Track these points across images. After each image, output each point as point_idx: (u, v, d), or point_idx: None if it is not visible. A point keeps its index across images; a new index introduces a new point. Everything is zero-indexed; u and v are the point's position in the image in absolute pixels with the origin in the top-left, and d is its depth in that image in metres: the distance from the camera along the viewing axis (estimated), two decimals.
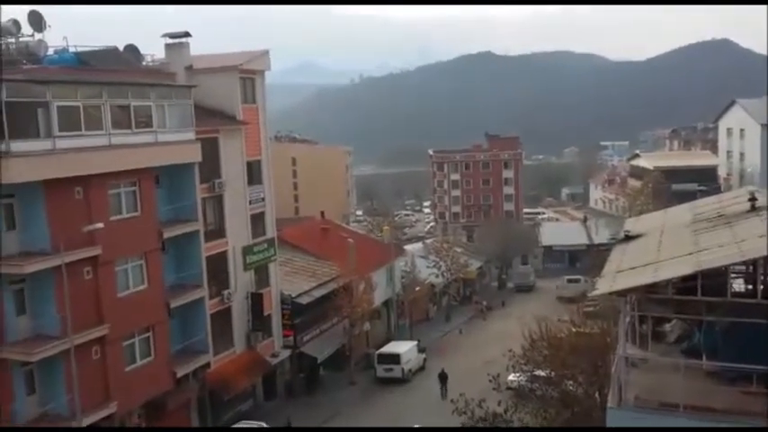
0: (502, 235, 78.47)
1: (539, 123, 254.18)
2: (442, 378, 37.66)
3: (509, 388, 26.71)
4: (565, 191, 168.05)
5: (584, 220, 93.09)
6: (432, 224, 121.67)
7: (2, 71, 22.75)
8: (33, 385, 24.24)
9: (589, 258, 60.45)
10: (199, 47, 34.34)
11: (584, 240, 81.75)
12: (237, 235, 33.97)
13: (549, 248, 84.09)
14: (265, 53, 36.24)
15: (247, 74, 34.93)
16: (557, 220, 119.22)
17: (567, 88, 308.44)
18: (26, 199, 23.51)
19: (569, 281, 63.02)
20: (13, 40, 27.06)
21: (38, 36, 27.40)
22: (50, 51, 27.78)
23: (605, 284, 14.82)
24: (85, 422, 23.77)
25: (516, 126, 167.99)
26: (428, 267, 59.03)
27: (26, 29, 27.19)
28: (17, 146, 22.16)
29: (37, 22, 27.27)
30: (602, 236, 73.08)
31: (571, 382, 22.84)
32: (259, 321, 35.14)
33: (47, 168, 23.12)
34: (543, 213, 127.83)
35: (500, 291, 73.05)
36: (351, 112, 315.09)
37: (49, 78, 23.81)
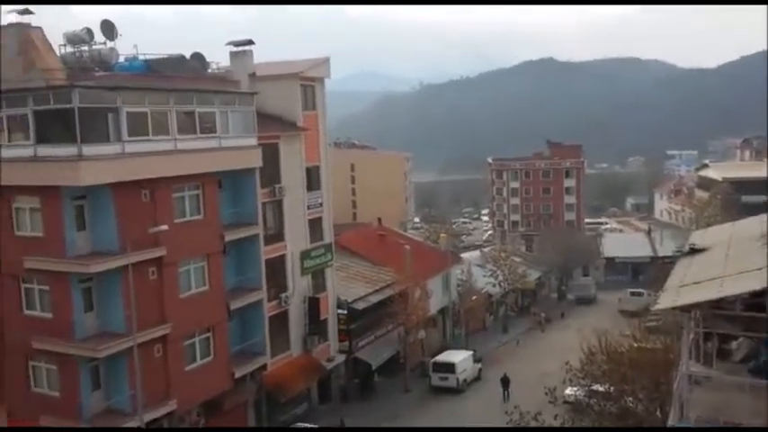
0: (562, 245, 76.98)
1: (603, 132, 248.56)
2: (505, 382, 37.45)
3: (566, 402, 26.13)
4: (629, 201, 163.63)
5: (649, 232, 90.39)
6: (490, 232, 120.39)
7: (76, 78, 23.85)
8: (99, 381, 25.21)
9: (653, 271, 58.63)
10: (261, 53, 35.05)
11: (648, 252, 79.44)
12: (296, 239, 34.46)
13: (611, 260, 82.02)
14: (326, 61, 36.73)
15: (308, 81, 35.46)
16: (620, 230, 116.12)
17: (632, 96, 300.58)
18: (96, 201, 24.50)
19: (632, 294, 61.31)
20: (86, 48, 28.22)
21: (110, 44, 28.49)
22: (121, 59, 28.85)
23: (668, 299, 14.33)
24: (146, 418, 24.47)
25: (579, 134, 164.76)
26: (485, 276, 58.41)
27: (99, 37, 28.30)
28: (89, 150, 23.13)
29: (109, 31, 28.37)
30: (667, 248, 70.85)
31: (631, 399, 22.16)
32: (315, 325, 35.51)
33: (116, 171, 24.01)
34: (606, 224, 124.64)
35: (559, 302, 71.60)
36: (411, 119, 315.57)
37: (119, 85, 24.74)
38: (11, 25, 25.45)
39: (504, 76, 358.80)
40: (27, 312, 25.14)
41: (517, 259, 67.85)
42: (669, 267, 19.05)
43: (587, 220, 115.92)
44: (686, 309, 13.68)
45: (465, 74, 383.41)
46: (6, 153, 24.37)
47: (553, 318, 61.83)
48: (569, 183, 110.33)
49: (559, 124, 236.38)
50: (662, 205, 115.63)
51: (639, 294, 59.04)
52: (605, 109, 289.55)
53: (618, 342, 24.83)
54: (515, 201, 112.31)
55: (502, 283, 59.98)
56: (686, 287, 14.65)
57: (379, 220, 55.90)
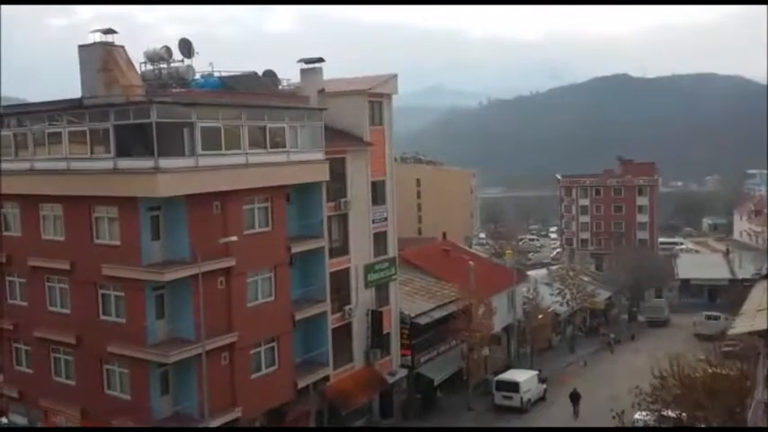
0: (634, 265, 74.66)
1: (678, 149, 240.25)
2: (574, 398, 36.59)
3: (634, 427, 25.25)
4: (706, 221, 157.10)
5: (727, 253, 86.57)
6: (558, 250, 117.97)
7: (154, 94, 24.94)
8: (168, 386, 25.95)
9: (731, 294, 56.09)
10: (330, 69, 35.67)
11: (725, 274, 76.12)
12: (360, 253, 34.73)
13: (686, 281, 78.97)
14: (393, 77, 37.06)
15: (376, 97, 35.86)
16: (696, 251, 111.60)
17: (710, 112, 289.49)
18: (170, 212, 25.43)
19: (708, 317, 58.82)
20: (165, 65, 29.49)
21: (187, 62, 29.68)
22: (197, 76, 30.00)
23: (746, 323, 13.76)
24: (212, 424, 25.08)
25: (653, 151, 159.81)
26: (552, 295, 57.22)
27: (177, 54, 29.52)
28: (165, 162, 24.04)
29: (186, 49, 29.58)
30: (746, 270, 67.76)
31: (704, 425, 21.22)
32: (378, 339, 35.58)
33: (190, 184, 24.87)
34: (681, 244, 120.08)
35: (630, 324, 69.35)
36: (478, 134, 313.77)
37: (194, 101, 25.69)
38: (95, 44, 26.85)
39: (576, 92, 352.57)
40: (103, 317, 26.25)
41: (586, 278, 66.19)
42: (748, 291, 18.25)
43: (661, 240, 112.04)
44: (764, 334, 13.07)
45: (534, 89, 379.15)
46: (88, 165, 25.67)
47: (623, 339, 59.99)
48: (642, 201, 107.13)
49: (632, 141, 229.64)
50: (741, 226, 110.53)
51: (716, 318, 56.64)
52: (681, 126, 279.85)
53: (691, 367, 23.87)
54: (585, 218, 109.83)
55: (569, 303, 58.60)
56: (764, 311, 13.99)
57: (444, 234, 55.74)
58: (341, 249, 33.57)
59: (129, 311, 25.33)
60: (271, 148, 28.20)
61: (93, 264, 25.71)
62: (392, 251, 37.57)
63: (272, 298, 28.65)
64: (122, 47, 27.09)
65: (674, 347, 31.79)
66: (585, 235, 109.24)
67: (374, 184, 35.92)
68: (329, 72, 35.02)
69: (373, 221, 35.84)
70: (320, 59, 34.31)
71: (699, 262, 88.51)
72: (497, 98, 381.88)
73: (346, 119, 34.55)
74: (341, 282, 33.54)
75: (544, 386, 42.18)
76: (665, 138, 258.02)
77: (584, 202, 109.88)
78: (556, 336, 57.81)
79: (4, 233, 29.60)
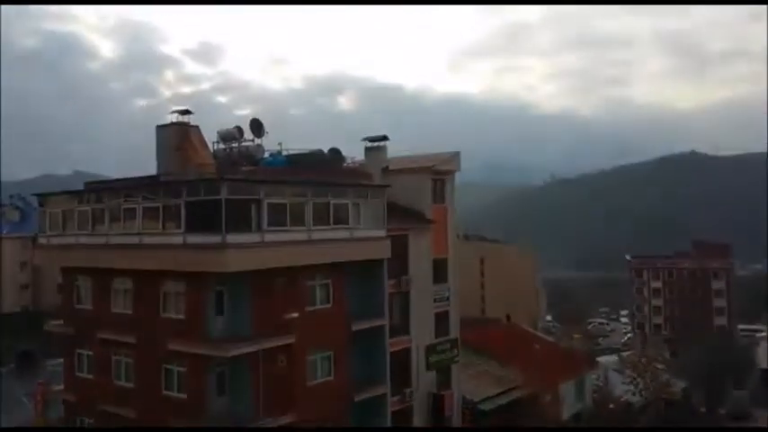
0: (712, 353, 70.40)
1: (753, 230, 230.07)
2: None
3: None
4: None
5: None
6: (629, 335, 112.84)
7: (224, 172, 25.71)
8: None
9: None
10: (395, 147, 36.06)
11: None
12: (421, 333, 33.97)
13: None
14: (456, 155, 37.21)
15: (438, 175, 35.97)
16: None
17: None
18: (235, 287, 25.56)
19: None
20: (236, 144, 30.57)
21: (257, 141, 30.69)
22: (266, 154, 30.90)
23: None
24: None
25: (727, 233, 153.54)
26: (624, 384, 54.19)
27: (248, 134, 30.60)
28: (233, 238, 24.42)
29: (257, 129, 30.68)
30: None
31: None
32: (439, 423, 34.25)
33: (255, 259, 25.06)
34: (762, 331, 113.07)
35: (709, 417, 64.65)
36: (543, 212, 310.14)
37: (262, 178, 26.31)
38: (173, 124, 28.18)
39: (643, 171, 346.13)
40: (165, 392, 26.26)
41: (660, 366, 62.59)
42: None
43: (741, 327, 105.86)
44: None
45: (600, 166, 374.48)
46: (160, 240, 26.34)
47: None
48: (718, 285, 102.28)
49: (703, 222, 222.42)
50: None
51: None
52: (758, 205, 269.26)
53: None
54: (657, 302, 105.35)
55: (642, 392, 55.29)
56: None
57: (508, 317, 54.23)
58: (401, 329, 32.92)
59: (189, 387, 25.22)
60: (334, 224, 28.38)
61: (159, 338, 25.90)
62: (454, 332, 36.62)
63: (331, 377, 28.11)
64: (197, 127, 28.35)
65: None
66: (659, 320, 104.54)
67: (436, 262, 35.48)
68: (393, 147, 35.49)
69: (435, 300, 35.20)
70: (384, 137, 34.90)
71: None
72: (561, 177, 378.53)
73: (409, 196, 34.65)
74: (401, 362, 32.71)
75: None
76: (741, 217, 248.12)
77: (657, 284, 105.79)
78: None
79: (76, 306, 30.45)
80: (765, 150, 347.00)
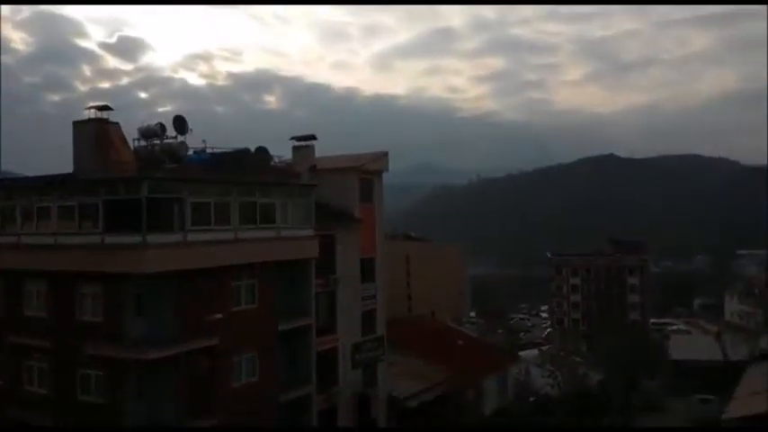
0: (626, 346, 73.61)
1: (666, 229, 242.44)
2: None
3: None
4: (696, 301, 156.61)
5: (718, 335, 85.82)
6: (549, 330, 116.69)
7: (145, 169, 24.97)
8: None
9: (723, 376, 55.18)
10: (322, 146, 35.94)
11: (718, 356, 75.13)
12: (348, 331, 34.12)
13: (678, 363, 77.80)
14: (384, 155, 37.55)
15: (366, 174, 36.17)
16: (688, 332, 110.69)
17: (696, 193, 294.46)
18: (154, 288, 24.87)
19: (701, 400, 57.57)
20: (158, 141, 29.69)
21: (180, 138, 29.88)
22: (190, 152, 30.14)
23: (740, 407, 13.38)
24: None
25: (642, 231, 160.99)
26: (543, 377, 56.02)
27: (170, 131, 29.73)
28: (153, 238, 23.81)
29: (181, 126, 29.83)
30: (739, 352, 66.94)
31: None
32: (365, 421, 34.47)
33: (178, 259, 24.55)
34: (673, 324, 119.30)
35: (623, 407, 67.63)
36: (468, 211, 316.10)
37: (185, 177, 25.73)
38: (90, 120, 27.14)
39: (563, 172, 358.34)
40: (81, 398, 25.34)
41: (578, 359, 64.98)
42: (740, 373, 17.90)
43: (653, 321, 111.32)
44: (759, 418, 12.70)
45: (522, 167, 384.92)
46: (76, 240, 25.37)
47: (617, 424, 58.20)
48: (633, 281, 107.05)
49: (620, 221, 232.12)
50: (732, 306, 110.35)
51: (709, 401, 55.45)
52: (669, 206, 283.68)
53: None
54: (576, 298, 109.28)
55: (561, 385, 57.28)
56: (760, 395, 13.67)
57: (433, 313, 55.05)
58: (329, 327, 32.99)
59: (107, 391, 24.44)
60: (261, 223, 28.10)
61: (75, 342, 24.96)
62: (381, 330, 36.97)
63: (256, 378, 27.83)
64: (117, 123, 27.38)
65: None
66: (577, 315, 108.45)
67: (364, 262, 35.72)
68: (321, 147, 35.42)
69: (362, 299, 35.41)
70: (312, 137, 34.78)
71: (691, 343, 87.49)
72: (487, 177, 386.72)
73: (337, 195, 34.72)
74: (328, 361, 32.75)
75: None
76: (653, 217, 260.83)
77: (575, 281, 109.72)
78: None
79: None
80: (678, 153, 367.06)
